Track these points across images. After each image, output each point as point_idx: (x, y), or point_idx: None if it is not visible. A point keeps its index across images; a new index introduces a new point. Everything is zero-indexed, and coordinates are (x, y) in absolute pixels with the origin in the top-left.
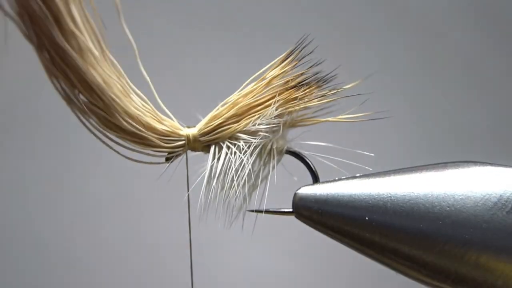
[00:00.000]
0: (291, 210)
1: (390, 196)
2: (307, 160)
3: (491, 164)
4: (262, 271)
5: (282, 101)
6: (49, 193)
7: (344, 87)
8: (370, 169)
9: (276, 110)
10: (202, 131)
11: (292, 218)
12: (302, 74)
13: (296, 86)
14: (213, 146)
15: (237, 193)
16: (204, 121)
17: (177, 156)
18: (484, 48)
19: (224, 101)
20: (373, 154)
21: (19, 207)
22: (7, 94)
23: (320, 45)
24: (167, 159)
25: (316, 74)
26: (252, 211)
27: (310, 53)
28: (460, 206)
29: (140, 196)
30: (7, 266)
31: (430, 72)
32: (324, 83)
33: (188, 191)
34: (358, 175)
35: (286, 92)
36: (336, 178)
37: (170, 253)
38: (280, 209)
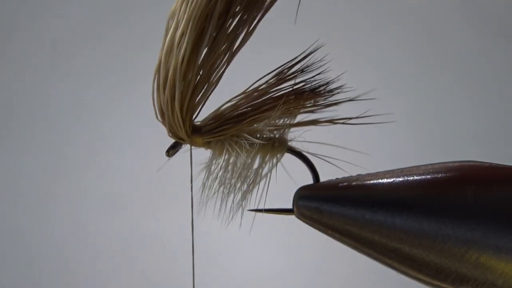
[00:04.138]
0: (291, 209)
1: (390, 196)
2: (308, 159)
3: (491, 163)
4: (262, 271)
5: (286, 104)
6: (49, 193)
7: (349, 96)
8: (371, 168)
9: (280, 112)
10: (205, 128)
11: (292, 217)
12: (308, 79)
13: (302, 91)
14: (215, 143)
15: (237, 191)
16: (207, 117)
17: (177, 150)
18: (485, 49)
19: (229, 99)
20: (373, 154)
21: (18, 207)
22: (5, 94)
23: (323, 47)
24: (169, 154)
25: (322, 79)
26: (252, 210)
27: (319, 61)
28: (461, 205)
29: (140, 194)
30: (7, 266)
31: (431, 73)
32: (329, 89)
33: (191, 186)
34: (358, 174)
35: (291, 95)
36: (337, 178)
37: (169, 252)
38: (280, 208)
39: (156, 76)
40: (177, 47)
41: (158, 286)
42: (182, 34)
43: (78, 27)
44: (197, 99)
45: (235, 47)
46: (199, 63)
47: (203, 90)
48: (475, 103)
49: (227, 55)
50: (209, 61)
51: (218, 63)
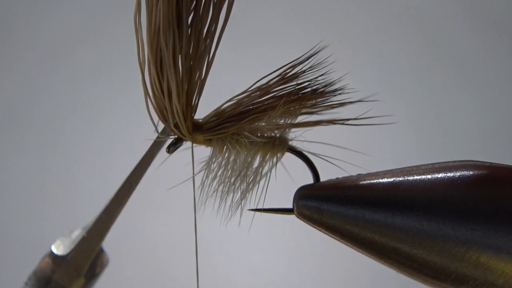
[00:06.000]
0: (291, 209)
1: (390, 196)
2: (309, 158)
3: (492, 163)
4: (262, 271)
5: (288, 103)
6: (45, 192)
7: (351, 97)
8: (371, 169)
9: (282, 112)
10: (206, 125)
11: (292, 217)
12: (311, 80)
13: (304, 91)
14: (216, 141)
15: (236, 189)
16: (209, 115)
17: (178, 147)
18: (487, 50)
19: (231, 97)
20: (374, 154)
21: (18, 207)
22: (4, 94)
23: (325, 48)
24: (169, 151)
25: (324, 80)
26: (252, 209)
27: (322, 62)
28: (461, 205)
29: (139, 193)
30: (7, 266)
31: (433, 73)
32: (331, 91)
33: (193, 183)
34: (358, 174)
35: (293, 95)
36: (337, 178)
37: (167, 251)
38: (280, 207)
39: (149, 72)
40: (163, 36)
41: (157, 286)
42: (162, 22)
43: (76, 27)
44: (194, 91)
45: (216, 30)
46: (185, 51)
47: (198, 83)
48: (476, 104)
49: (210, 39)
50: (194, 48)
51: (203, 49)
